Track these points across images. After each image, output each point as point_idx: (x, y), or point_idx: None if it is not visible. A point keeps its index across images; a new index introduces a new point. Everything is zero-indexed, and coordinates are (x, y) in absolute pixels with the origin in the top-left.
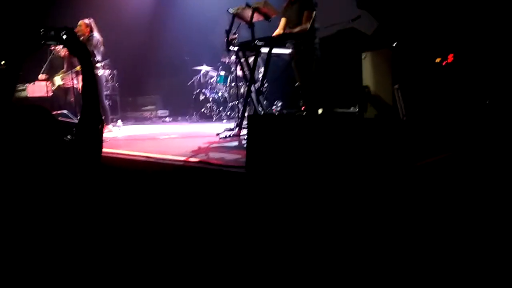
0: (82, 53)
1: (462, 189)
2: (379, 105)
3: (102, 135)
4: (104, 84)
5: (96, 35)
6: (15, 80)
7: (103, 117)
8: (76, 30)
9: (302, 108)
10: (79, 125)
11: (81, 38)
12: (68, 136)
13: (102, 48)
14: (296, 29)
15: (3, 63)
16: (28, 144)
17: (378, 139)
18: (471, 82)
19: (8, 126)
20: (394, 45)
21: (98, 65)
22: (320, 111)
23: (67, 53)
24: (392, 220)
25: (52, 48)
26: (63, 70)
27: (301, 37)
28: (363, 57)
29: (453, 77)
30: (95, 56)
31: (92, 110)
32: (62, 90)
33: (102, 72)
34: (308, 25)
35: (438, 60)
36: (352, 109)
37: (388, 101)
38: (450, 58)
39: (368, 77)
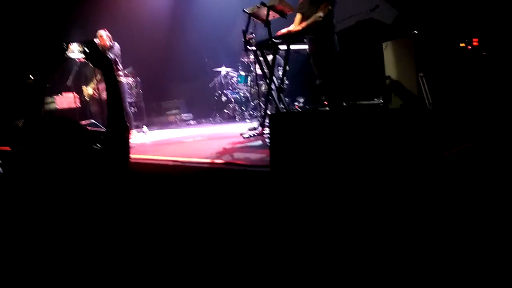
0: (104, 65)
1: (490, 178)
2: (404, 95)
3: (128, 141)
4: (129, 91)
5: (115, 44)
6: (43, 93)
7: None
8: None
9: (325, 103)
10: (106, 133)
11: (102, 48)
12: (97, 145)
13: (120, 56)
14: (310, 20)
15: (31, 78)
16: (59, 155)
17: (405, 130)
18: (498, 66)
19: (39, 139)
20: (415, 32)
21: (121, 73)
22: (343, 104)
23: None
24: (420, 211)
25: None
26: (94, 80)
27: (317, 32)
28: (384, 47)
29: (479, 62)
30: (117, 64)
31: (118, 118)
32: (94, 100)
33: (127, 80)
34: (321, 14)
35: (462, 45)
36: (376, 100)
37: (413, 90)
38: (475, 42)
39: (390, 67)
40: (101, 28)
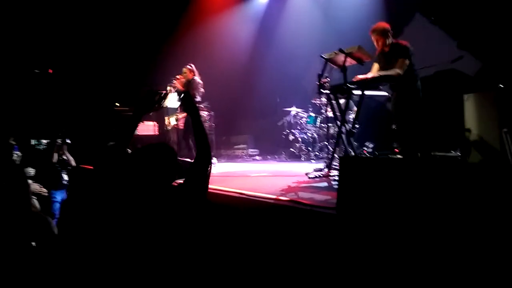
0: (194, 112)
1: None
2: (484, 150)
3: (209, 176)
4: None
5: (197, 78)
6: (136, 127)
7: None
8: (181, 76)
9: (396, 150)
10: (192, 167)
11: (185, 81)
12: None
13: (202, 90)
14: (390, 72)
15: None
16: (152, 178)
17: (486, 186)
18: None
19: (135, 161)
20: (501, 86)
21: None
22: (417, 154)
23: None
24: None
25: (168, 91)
26: (177, 111)
27: (396, 79)
28: (465, 98)
29: None
30: (195, 97)
31: (205, 156)
32: (174, 130)
33: (202, 113)
34: (401, 72)
35: None
36: (453, 153)
37: (495, 146)
38: None
39: (471, 119)
40: (187, 64)
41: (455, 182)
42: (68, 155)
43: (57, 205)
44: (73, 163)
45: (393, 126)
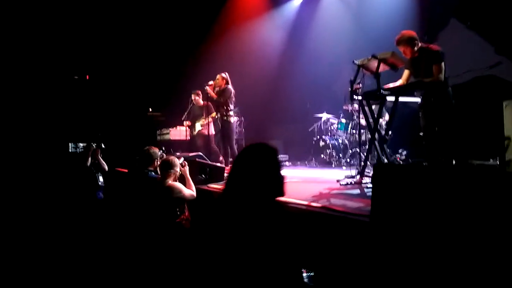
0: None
1: None
2: None
3: None
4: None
5: (230, 87)
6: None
7: (230, 160)
8: (214, 82)
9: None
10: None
11: (217, 89)
12: (202, 175)
13: (234, 98)
14: (428, 79)
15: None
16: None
17: None
18: None
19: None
20: None
21: (231, 113)
22: (453, 162)
23: (205, 103)
24: None
25: (192, 99)
26: (202, 118)
27: (431, 86)
28: (504, 105)
29: None
30: (228, 105)
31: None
32: (200, 135)
33: (234, 119)
34: (441, 77)
35: None
36: (491, 161)
37: None
38: None
39: (510, 127)
40: (221, 72)
41: (493, 192)
42: (101, 159)
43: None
44: (106, 167)
45: (421, 133)
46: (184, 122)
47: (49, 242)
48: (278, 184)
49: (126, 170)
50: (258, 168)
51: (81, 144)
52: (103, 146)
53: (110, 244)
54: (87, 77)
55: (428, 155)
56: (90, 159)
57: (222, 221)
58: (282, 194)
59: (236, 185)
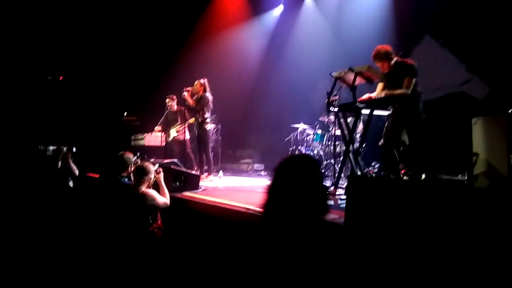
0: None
1: None
2: (492, 175)
3: None
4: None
5: (208, 94)
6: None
7: (206, 168)
8: (191, 88)
9: (402, 172)
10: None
11: (195, 96)
12: (177, 183)
13: (211, 106)
14: (397, 92)
15: (126, 114)
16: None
17: (492, 212)
18: None
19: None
20: (510, 111)
21: (208, 120)
22: (423, 176)
23: (179, 108)
24: None
25: (168, 104)
26: (177, 124)
27: (404, 100)
28: (473, 122)
29: None
30: (204, 113)
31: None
32: (175, 141)
33: (211, 126)
34: (409, 91)
35: None
36: (459, 176)
37: (503, 171)
38: None
39: (478, 143)
40: (200, 77)
41: (460, 206)
42: (71, 163)
43: None
44: (76, 172)
45: (380, 143)
46: (156, 128)
47: (14, 247)
48: (324, 200)
49: (98, 176)
50: (304, 183)
51: (51, 147)
52: (74, 150)
53: (78, 251)
54: (61, 78)
55: (388, 166)
56: (60, 162)
57: (265, 249)
58: (327, 211)
59: (279, 205)
